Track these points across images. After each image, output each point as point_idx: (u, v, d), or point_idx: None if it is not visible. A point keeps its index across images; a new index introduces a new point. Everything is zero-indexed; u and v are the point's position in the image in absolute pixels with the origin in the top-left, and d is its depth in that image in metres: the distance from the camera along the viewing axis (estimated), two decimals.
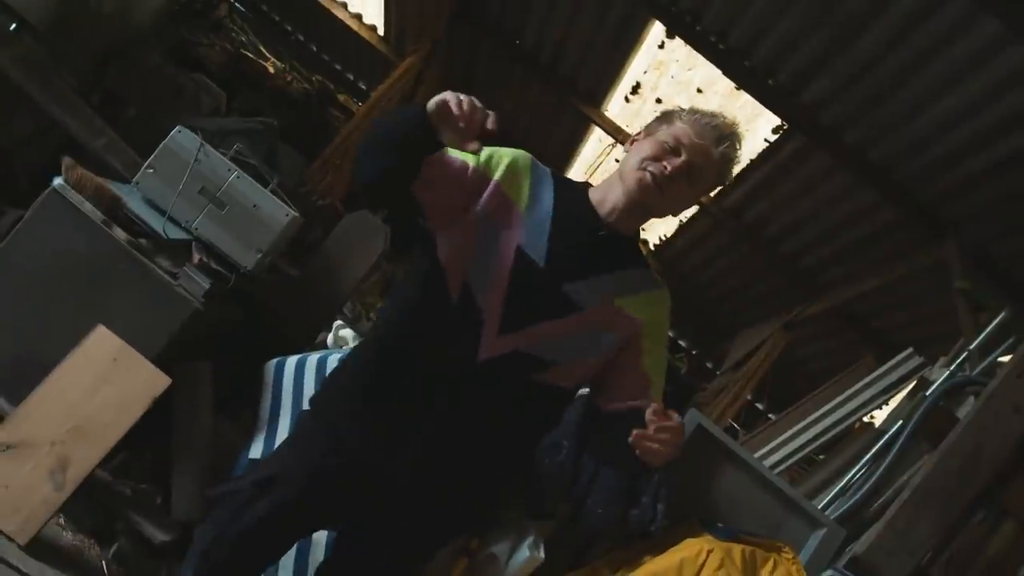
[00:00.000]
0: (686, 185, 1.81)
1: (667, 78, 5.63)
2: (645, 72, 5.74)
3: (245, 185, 2.81)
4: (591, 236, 1.82)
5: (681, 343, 8.90)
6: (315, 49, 8.85)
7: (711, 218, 6.66)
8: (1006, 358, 3.31)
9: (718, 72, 5.14)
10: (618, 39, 5.61)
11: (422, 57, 6.52)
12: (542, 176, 1.84)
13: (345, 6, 7.79)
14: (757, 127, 5.45)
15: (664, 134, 1.81)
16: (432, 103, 1.59)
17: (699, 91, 5.53)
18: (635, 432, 1.64)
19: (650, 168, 1.78)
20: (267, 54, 7.04)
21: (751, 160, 5.70)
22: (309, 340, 3.42)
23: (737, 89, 5.21)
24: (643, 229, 1.95)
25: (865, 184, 5.01)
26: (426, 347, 1.78)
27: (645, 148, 1.81)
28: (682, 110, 1.85)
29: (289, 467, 1.80)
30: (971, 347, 3.47)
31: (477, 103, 1.60)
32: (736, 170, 1.89)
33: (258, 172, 2.95)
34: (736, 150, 1.82)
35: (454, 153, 1.74)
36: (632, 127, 6.12)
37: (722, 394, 6.35)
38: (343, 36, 8.07)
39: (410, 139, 1.63)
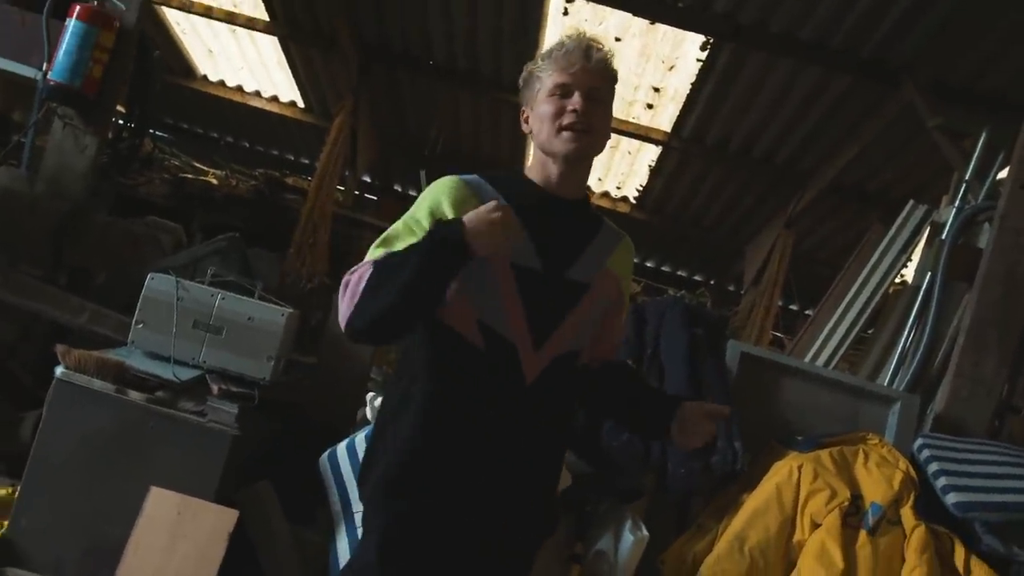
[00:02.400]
0: (599, 109, 1.81)
1: None
2: None
3: (232, 303, 2.82)
4: (558, 215, 1.83)
5: (697, 278, 8.90)
6: (247, 144, 8.88)
7: (677, 152, 6.66)
8: (1003, 174, 3.30)
9: (628, 15, 5.14)
10: (523, 20, 5.61)
11: (348, 112, 6.55)
12: (480, 188, 1.83)
13: (258, 94, 7.82)
14: (685, 52, 5.45)
15: (543, 91, 1.81)
16: (471, 225, 1.62)
17: (618, 39, 5.53)
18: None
19: (564, 122, 1.78)
20: (205, 168, 7.06)
21: (692, 84, 5.71)
22: (351, 420, 3.42)
23: (652, 24, 5.21)
24: (590, 190, 1.95)
25: (807, 64, 5.01)
26: (474, 395, 1.78)
27: (544, 110, 1.80)
28: (536, 61, 1.85)
29: (389, 554, 1.81)
30: (967, 176, 3.46)
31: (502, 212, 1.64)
32: (616, 63, 1.88)
33: (240, 286, 2.96)
34: (602, 48, 1.83)
35: (409, 242, 1.75)
36: None
37: (753, 311, 6.35)
38: (268, 122, 8.11)
39: (448, 265, 1.64)
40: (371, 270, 1.67)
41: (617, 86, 1.89)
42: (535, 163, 1.87)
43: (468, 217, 1.63)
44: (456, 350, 1.76)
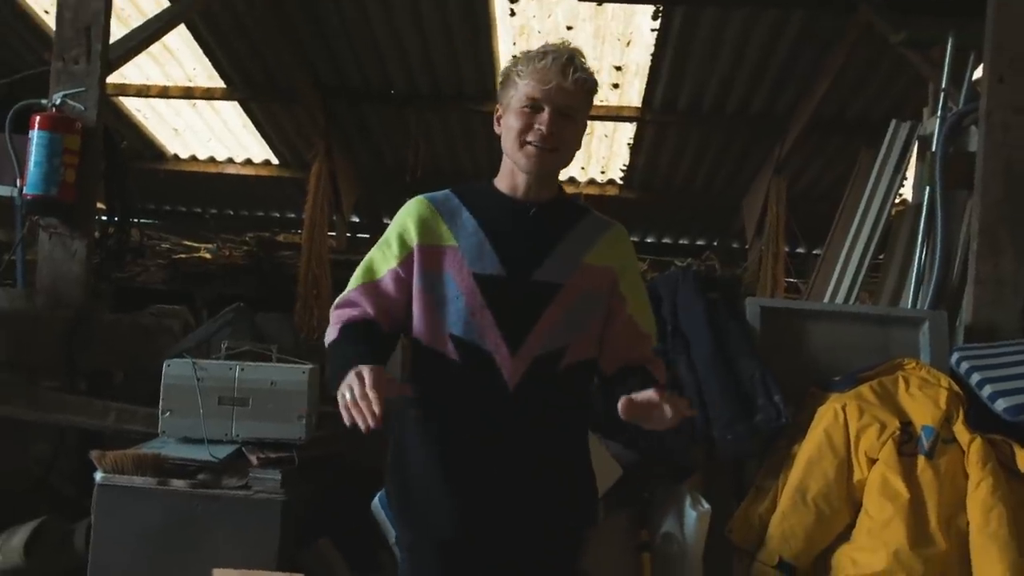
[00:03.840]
0: (568, 127, 1.80)
1: (535, 36, 5.63)
2: (515, 43, 5.75)
3: (252, 372, 2.82)
4: (525, 220, 1.84)
5: (700, 243, 8.88)
6: (232, 212, 8.90)
7: (652, 125, 6.65)
8: (978, 73, 3.28)
9: (574, 2, 5.15)
10: (472, 29, 5.62)
11: (323, 157, 6.57)
12: (446, 203, 1.86)
13: (231, 160, 7.84)
14: (638, 24, 5.45)
15: (517, 100, 1.79)
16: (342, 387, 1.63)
17: (569, 28, 5.53)
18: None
19: (528, 139, 1.78)
20: (196, 244, 7.08)
21: (651, 55, 5.70)
22: None
23: (600, 4, 5.21)
24: (563, 187, 1.94)
25: (760, 10, 5.00)
26: (461, 409, 1.83)
27: (512, 123, 1.80)
28: (517, 64, 1.82)
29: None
30: (943, 85, 3.45)
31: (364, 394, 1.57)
32: (596, 77, 1.86)
33: (256, 353, 2.96)
34: (582, 66, 1.80)
35: (383, 269, 1.85)
36: None
37: (762, 263, 6.34)
38: (247, 185, 8.13)
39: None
40: (332, 340, 1.85)
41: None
42: (504, 170, 1.88)
43: (350, 378, 1.60)
44: (436, 368, 1.82)
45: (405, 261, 1.84)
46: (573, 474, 1.93)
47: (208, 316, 4.31)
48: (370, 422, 1.54)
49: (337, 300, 1.90)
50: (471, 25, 5.56)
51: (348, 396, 1.58)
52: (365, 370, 1.58)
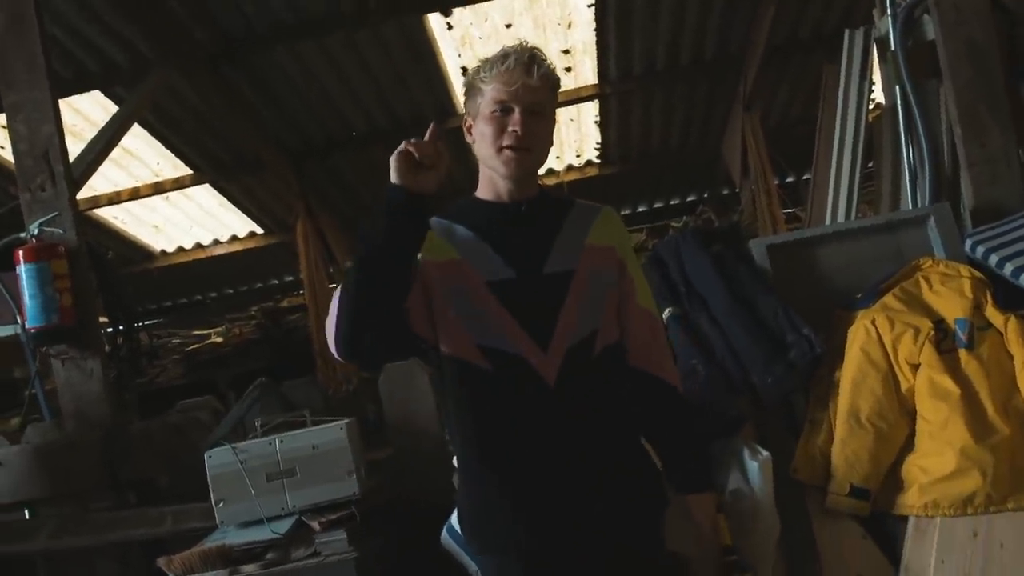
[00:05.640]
0: (540, 125, 1.81)
1: (478, 43, 5.64)
2: (459, 55, 5.76)
3: (291, 441, 2.83)
4: (518, 220, 1.84)
5: (692, 199, 8.87)
6: (231, 291, 8.94)
7: (613, 97, 6.66)
8: None
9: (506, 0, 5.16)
10: (415, 55, 5.63)
11: (305, 216, 6.60)
12: (437, 225, 1.84)
13: (217, 241, 7.88)
14: (575, 4, 5.46)
15: (486, 105, 1.79)
16: (393, 165, 1.67)
17: (508, 26, 5.54)
18: None
19: (504, 143, 1.78)
20: (204, 331, 7.11)
21: (594, 30, 5.70)
22: (450, 489, 3.42)
23: None
24: (542, 181, 1.94)
25: None
26: (508, 419, 1.81)
27: (484, 130, 1.80)
28: (479, 71, 1.83)
29: None
30: None
31: (417, 141, 1.67)
32: (558, 71, 1.88)
33: (289, 423, 2.97)
34: (543, 61, 1.81)
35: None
36: None
37: (756, 202, 6.33)
38: (239, 261, 8.16)
39: (400, 226, 1.67)
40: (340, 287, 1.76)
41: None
42: (483, 179, 1.89)
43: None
44: (473, 383, 1.81)
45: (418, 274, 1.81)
46: (634, 459, 1.93)
47: (235, 398, 4.33)
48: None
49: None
50: (413, 52, 5.57)
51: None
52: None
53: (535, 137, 1.80)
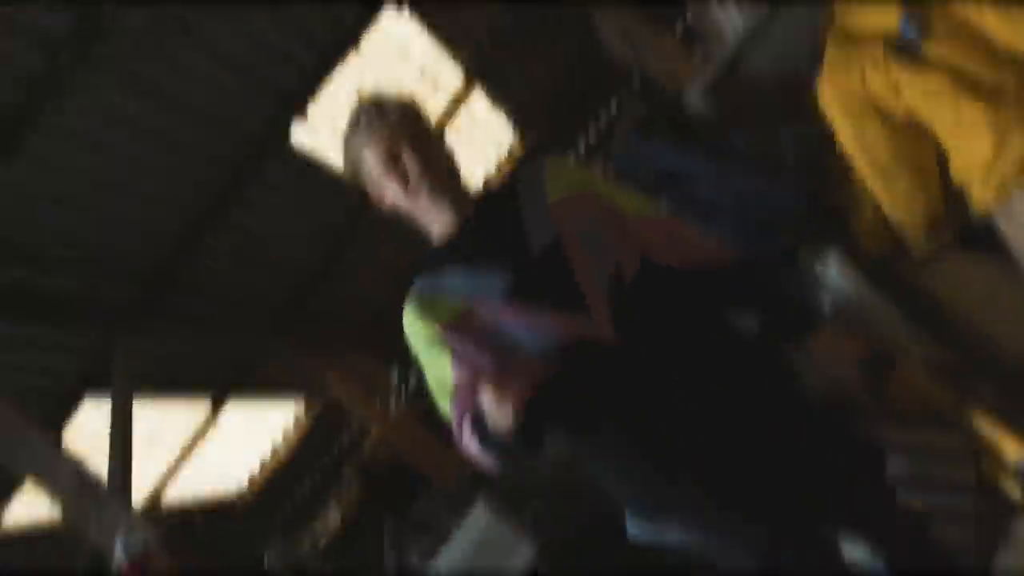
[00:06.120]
0: (432, 149, 1.80)
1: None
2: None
3: None
4: (477, 229, 1.82)
5: (612, 107, 8.76)
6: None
7: (486, 77, 6.62)
8: None
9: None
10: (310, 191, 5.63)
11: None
12: (424, 285, 1.83)
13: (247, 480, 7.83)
14: (394, 30, 5.46)
15: (375, 167, 1.78)
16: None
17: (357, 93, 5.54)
18: None
19: (412, 183, 1.77)
20: (320, 523, 7.05)
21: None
22: None
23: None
24: (466, 188, 1.89)
25: None
26: (612, 396, 1.76)
27: (386, 185, 1.80)
28: (348, 147, 1.82)
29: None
30: None
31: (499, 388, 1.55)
32: (410, 95, 1.87)
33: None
34: (390, 99, 1.81)
35: (446, 363, 1.77)
36: None
37: (655, 56, 6.14)
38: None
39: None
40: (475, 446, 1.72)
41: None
42: (425, 227, 1.86)
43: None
44: (571, 376, 1.72)
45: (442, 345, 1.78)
46: (734, 342, 1.84)
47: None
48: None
49: (456, 433, 1.78)
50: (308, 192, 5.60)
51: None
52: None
53: (435, 160, 1.79)
